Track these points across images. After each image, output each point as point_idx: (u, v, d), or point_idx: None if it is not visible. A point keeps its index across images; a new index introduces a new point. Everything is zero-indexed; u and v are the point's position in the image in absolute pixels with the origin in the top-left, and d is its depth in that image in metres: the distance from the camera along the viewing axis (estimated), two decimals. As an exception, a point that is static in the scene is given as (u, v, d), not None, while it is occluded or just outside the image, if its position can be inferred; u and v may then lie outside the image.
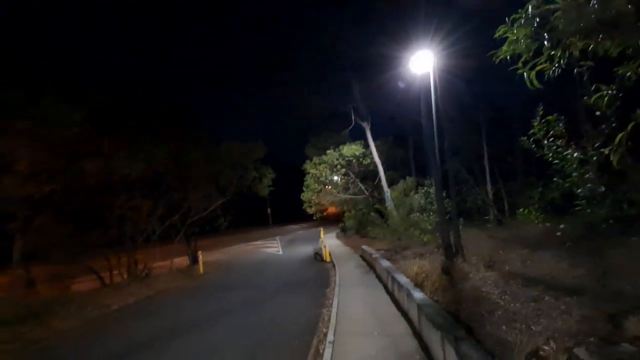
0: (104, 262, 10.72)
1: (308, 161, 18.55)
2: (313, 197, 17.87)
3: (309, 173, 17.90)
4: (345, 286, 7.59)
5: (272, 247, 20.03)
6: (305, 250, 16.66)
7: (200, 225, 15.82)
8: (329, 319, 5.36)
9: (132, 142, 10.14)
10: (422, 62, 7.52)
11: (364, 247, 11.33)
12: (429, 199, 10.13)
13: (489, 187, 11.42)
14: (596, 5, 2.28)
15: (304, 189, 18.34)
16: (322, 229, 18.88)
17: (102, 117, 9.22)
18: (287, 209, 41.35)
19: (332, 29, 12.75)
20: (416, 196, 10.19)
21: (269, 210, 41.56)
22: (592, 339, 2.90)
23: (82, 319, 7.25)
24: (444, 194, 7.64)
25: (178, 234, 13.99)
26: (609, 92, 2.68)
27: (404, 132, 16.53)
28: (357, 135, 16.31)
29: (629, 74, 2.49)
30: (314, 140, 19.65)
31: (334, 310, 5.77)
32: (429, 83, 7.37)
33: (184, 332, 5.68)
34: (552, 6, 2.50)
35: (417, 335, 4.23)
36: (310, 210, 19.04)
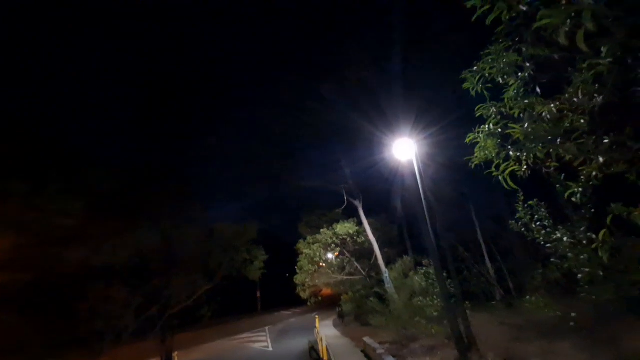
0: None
1: (301, 240, 18.17)
2: (307, 280, 16.81)
3: (302, 253, 17.30)
4: (349, 395, 6.46)
5: (261, 342, 17.61)
6: (299, 343, 14.66)
7: (180, 317, 14.17)
8: None
9: (125, 228, 9.90)
10: (405, 149, 8.31)
11: (365, 339, 10.14)
12: (430, 280, 9.69)
13: (488, 265, 11.17)
14: (549, 121, 2.76)
15: (297, 270, 17.40)
16: (317, 316, 17.11)
17: (100, 205, 9.20)
18: (278, 293, 38.08)
19: (320, 112, 14.24)
20: (416, 277, 9.77)
21: (258, 295, 38.17)
22: None
23: None
24: (445, 274, 7.38)
25: (154, 329, 12.34)
26: (578, 188, 2.98)
27: (396, 210, 16.99)
28: (350, 213, 16.56)
29: (594, 173, 2.84)
30: (307, 218, 19.72)
31: None
32: (414, 168, 8.00)
33: None
34: (514, 125, 3.00)
35: None
36: (304, 295, 17.63)
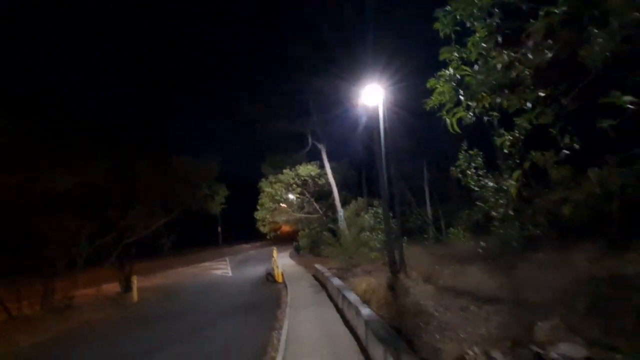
0: (13, 291, 8.97)
1: (264, 179, 18.37)
2: (267, 216, 17.58)
3: (264, 191, 17.68)
4: (297, 307, 7.52)
5: (222, 269, 18.87)
6: (256, 271, 16.04)
7: (140, 247, 14.31)
8: (279, 342, 5.26)
9: (68, 152, 9.00)
10: (372, 95, 8.30)
11: (317, 266, 11.41)
12: (378, 219, 10.78)
13: (429, 208, 12.68)
14: (499, 72, 2.93)
15: (259, 207, 17.98)
16: (275, 248, 18.49)
17: (35, 125, 8.10)
18: (239, 228, 39.54)
19: (291, 54, 13.37)
20: (367, 216, 10.78)
21: (219, 229, 39.26)
22: (506, 344, 3.40)
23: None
24: (391, 214, 8.28)
25: (110, 257, 12.42)
26: (510, 137, 3.36)
27: (357, 155, 17.61)
28: (314, 156, 16.85)
29: (524, 124, 3.20)
30: (270, 158, 19.63)
31: (284, 332, 5.68)
32: (378, 115, 8.13)
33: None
34: (468, 69, 3.12)
35: (364, 351, 4.40)
36: (263, 229, 18.61)
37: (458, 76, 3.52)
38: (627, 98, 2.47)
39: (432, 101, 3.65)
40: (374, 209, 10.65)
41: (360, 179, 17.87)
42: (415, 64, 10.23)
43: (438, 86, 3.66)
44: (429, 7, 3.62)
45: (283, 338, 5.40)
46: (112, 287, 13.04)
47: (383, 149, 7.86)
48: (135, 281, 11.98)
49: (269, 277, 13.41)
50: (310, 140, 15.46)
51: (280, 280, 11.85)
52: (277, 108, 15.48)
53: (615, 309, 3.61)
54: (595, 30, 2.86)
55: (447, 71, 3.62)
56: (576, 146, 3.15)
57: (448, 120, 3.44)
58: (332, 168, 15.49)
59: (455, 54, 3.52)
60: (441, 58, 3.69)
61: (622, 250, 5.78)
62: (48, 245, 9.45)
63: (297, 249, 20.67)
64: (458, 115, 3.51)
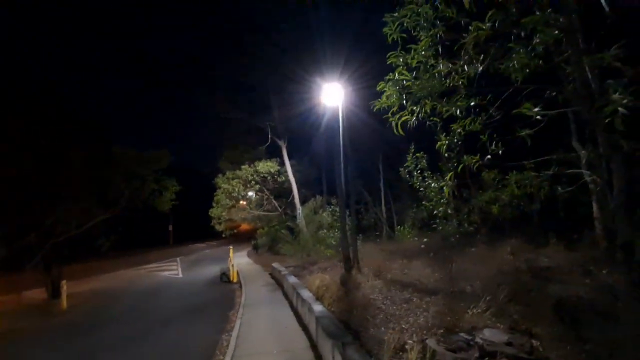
0: None
1: (220, 175, 17.57)
2: (224, 214, 16.86)
3: (220, 188, 16.92)
4: (251, 306, 7.35)
5: (171, 270, 17.61)
6: (210, 271, 15.28)
7: (74, 248, 12.74)
8: (228, 344, 5.08)
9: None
10: (332, 95, 8.41)
11: (274, 264, 11.28)
12: (335, 217, 11.01)
13: (383, 207, 13.35)
14: (438, 80, 3.16)
15: (214, 204, 17.16)
16: (231, 247, 17.82)
17: None
18: (192, 226, 37.22)
19: (251, 49, 12.97)
20: (324, 214, 10.95)
21: (170, 228, 36.57)
22: (440, 331, 3.70)
23: None
24: (347, 212, 8.52)
25: (34, 259, 10.84)
26: (446, 141, 3.66)
27: (318, 154, 17.76)
28: (274, 153, 16.57)
29: (458, 130, 3.50)
30: (228, 154, 18.85)
31: (234, 333, 5.51)
32: (338, 114, 8.28)
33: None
34: (408, 75, 3.32)
35: (314, 347, 4.46)
36: (219, 228, 17.83)
37: (404, 81, 3.73)
38: (536, 110, 2.84)
39: (380, 103, 3.81)
40: (332, 207, 10.87)
41: (320, 177, 18.08)
42: (371, 65, 10.63)
43: (386, 89, 3.83)
44: (384, 10, 3.77)
45: (233, 338, 5.23)
46: (37, 294, 11.37)
47: (342, 148, 8.03)
48: (65, 286, 10.58)
49: (224, 276, 12.89)
50: (270, 136, 15.15)
51: (235, 279, 11.48)
52: (237, 101, 14.92)
53: (533, 297, 4.14)
54: (515, 47, 3.23)
55: (392, 75, 3.80)
56: (499, 152, 3.54)
57: (394, 123, 3.63)
58: (292, 166, 15.40)
59: (402, 58, 3.72)
60: (388, 62, 3.87)
61: (540, 244, 6.72)
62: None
63: (256, 248, 20.21)
64: (403, 119, 3.71)
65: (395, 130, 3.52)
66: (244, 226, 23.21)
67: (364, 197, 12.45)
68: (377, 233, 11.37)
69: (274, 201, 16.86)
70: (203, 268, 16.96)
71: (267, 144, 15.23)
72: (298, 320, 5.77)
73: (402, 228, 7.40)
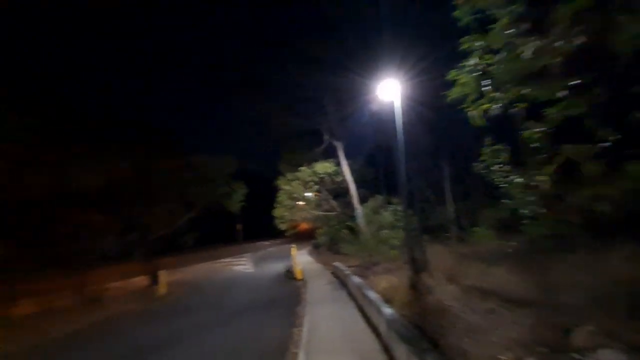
0: (50, 282, 9.66)
1: (281, 177, 18.53)
2: (286, 214, 17.75)
3: (282, 189, 17.85)
4: (317, 303, 7.57)
5: (242, 265, 19.34)
6: (276, 267, 16.32)
7: (164, 243, 14.95)
8: (299, 337, 5.32)
9: (89, 152, 9.50)
10: (389, 90, 8.12)
11: (336, 264, 11.41)
12: (397, 216, 10.60)
13: (449, 205, 12.32)
14: (526, 60, 2.77)
15: (277, 205, 18.19)
16: (294, 246, 18.68)
17: (55, 125, 8.59)
18: (258, 225, 40.14)
19: (305, 53, 13.31)
20: (386, 213, 10.65)
21: (238, 227, 40.10)
22: (542, 349, 3.23)
23: (16, 346, 6.42)
24: (411, 212, 8.11)
25: (137, 252, 13.07)
26: (540, 129, 3.18)
27: (375, 152, 17.36)
28: (331, 153, 16.75)
29: (555, 115, 3.01)
30: (287, 156, 19.74)
31: (305, 328, 5.74)
32: (396, 109, 7.95)
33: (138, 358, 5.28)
34: (492, 57, 2.98)
35: (387, 350, 4.36)
36: (282, 227, 18.83)
37: (481, 66, 3.37)
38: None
39: (454, 93, 3.52)
40: (394, 206, 10.50)
41: (378, 175, 17.61)
42: (434, 56, 9.89)
43: (460, 78, 3.52)
44: (444, -1, 3.48)
45: (304, 334, 5.46)
46: (141, 281, 13.69)
47: (401, 145, 7.69)
48: (162, 276, 12.50)
49: (289, 274, 13.59)
50: (326, 137, 15.37)
51: (299, 277, 11.97)
52: (292, 106, 15.54)
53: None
54: (624, 16, 2.63)
55: (469, 61, 3.47)
56: (612, 138, 2.93)
57: (473, 113, 3.31)
58: (349, 165, 15.36)
59: (477, 43, 3.36)
60: (462, 48, 3.54)
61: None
62: (78, 240, 10.08)
63: (316, 247, 20.78)
64: (482, 107, 3.36)
65: (474, 121, 3.21)
66: (303, 225, 24.06)
67: (427, 195, 11.71)
68: (447, 234, 10.55)
69: (332, 201, 17.06)
70: (269, 264, 18.21)
71: (324, 145, 15.47)
72: (366, 321, 5.72)
73: (479, 229, 6.71)
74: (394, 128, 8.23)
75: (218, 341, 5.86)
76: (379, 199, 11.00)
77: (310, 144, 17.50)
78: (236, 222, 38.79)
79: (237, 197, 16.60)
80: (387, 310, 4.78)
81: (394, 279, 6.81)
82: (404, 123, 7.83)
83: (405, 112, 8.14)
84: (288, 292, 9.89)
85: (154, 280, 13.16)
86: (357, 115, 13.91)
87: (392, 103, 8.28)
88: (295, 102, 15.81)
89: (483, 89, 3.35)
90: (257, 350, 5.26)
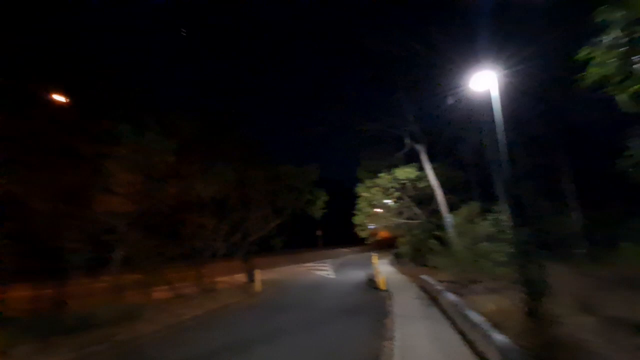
0: (177, 274, 11.98)
1: (360, 184, 18.50)
2: (365, 221, 17.57)
3: (361, 196, 17.79)
4: (406, 317, 7.13)
5: (324, 270, 19.97)
6: (357, 275, 16.22)
7: (257, 245, 16.71)
8: (392, 353, 5.08)
9: (208, 167, 11.45)
10: (484, 82, 7.19)
11: (423, 276, 10.60)
12: (499, 227, 9.15)
13: (574, 214, 9.82)
14: None
15: (356, 212, 18.19)
16: (374, 254, 18.24)
17: (187, 145, 10.65)
18: (336, 232, 41.15)
19: (382, 54, 12.95)
20: (484, 223, 9.32)
21: (318, 232, 41.81)
22: None
23: (161, 325, 8.12)
24: (519, 221, 6.85)
25: (238, 252, 14.97)
26: None
27: (464, 153, 15.53)
28: (412, 158, 15.81)
29: None
30: (365, 163, 19.62)
31: (397, 343, 5.46)
32: (492, 105, 6.96)
33: (249, 348, 5.93)
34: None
35: (500, 384, 3.74)
36: (362, 234, 18.68)
37: (625, 40, 2.65)
38: None
39: (591, 75, 2.84)
40: (494, 214, 9.10)
41: (468, 180, 15.69)
42: (541, 38, 8.30)
43: (595, 56, 2.83)
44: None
45: (397, 349, 5.19)
46: (240, 278, 15.62)
47: (502, 144, 6.64)
48: (258, 275, 13.99)
49: (371, 282, 13.31)
50: (407, 141, 14.54)
51: (383, 287, 11.58)
52: (371, 112, 15.37)
53: None
54: None
55: (607, 36, 2.78)
56: None
57: (623, 97, 2.60)
58: (433, 169, 14.18)
59: (620, 12, 2.65)
60: (598, 20, 2.86)
61: None
62: (196, 239, 12.20)
63: (398, 256, 19.81)
64: (633, 89, 2.61)
65: (624, 107, 2.52)
66: (382, 233, 23.32)
67: (540, 203, 9.65)
68: (577, 251, 8.38)
69: (414, 208, 16.02)
70: (350, 271, 18.25)
71: (405, 150, 14.68)
72: (467, 345, 5.05)
73: (623, 244, 5.04)
74: (492, 124, 7.24)
75: (315, 341, 6.14)
76: (473, 206, 9.69)
77: (390, 150, 16.94)
78: (315, 228, 40.59)
79: (319, 204, 17.35)
80: (499, 338, 4.12)
81: (504, 302, 5.85)
82: (505, 117, 6.78)
83: (506, 105, 7.06)
84: (372, 302, 9.67)
85: (251, 277, 14.85)
86: (443, 115, 12.80)
87: (486, 96, 7.32)
88: (373, 107, 15.66)
89: (634, 66, 2.63)
90: (350, 357, 5.27)
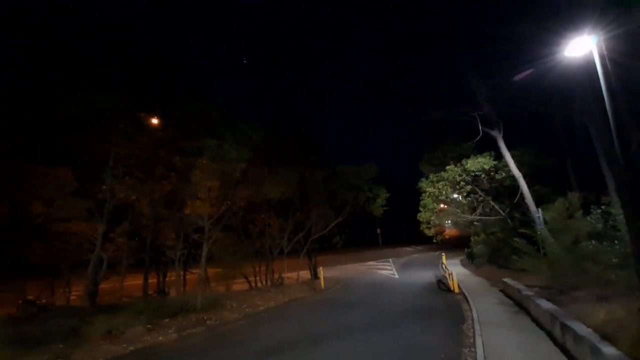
0: (250, 268, 13.07)
1: (423, 179, 17.34)
2: (432, 218, 16.37)
3: (425, 192, 16.64)
4: (489, 325, 6.37)
5: (386, 270, 19.31)
6: (424, 276, 15.20)
7: (318, 243, 17.09)
8: (475, 361, 4.58)
9: (273, 170, 12.19)
10: (580, 50, 5.95)
11: (506, 280, 9.34)
12: (609, 223, 7.44)
13: None
14: None
15: (421, 209, 17.10)
16: (442, 254, 16.84)
17: (256, 152, 11.53)
18: (398, 230, 39.54)
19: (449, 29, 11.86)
20: (588, 218, 7.69)
21: (378, 231, 40.82)
22: None
23: (242, 314, 8.96)
24: (636, 215, 5.44)
25: (302, 250, 15.54)
26: None
27: (554, 135, 13.09)
28: (486, 145, 13.97)
29: None
30: (429, 156, 18.34)
31: (479, 352, 4.90)
32: (589, 74, 5.69)
33: (323, 341, 6.09)
34: None
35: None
36: (429, 232, 17.47)
37: None
38: None
39: None
40: (602, 207, 7.42)
41: (561, 167, 13.19)
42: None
43: None
44: None
45: (480, 357, 4.66)
46: (305, 274, 16.20)
47: (610, 118, 5.36)
48: (322, 272, 14.31)
49: (442, 285, 12.34)
50: (479, 127, 12.77)
51: (456, 290, 10.60)
52: (436, 97, 14.12)
53: None
54: None
55: None
56: None
57: None
58: (513, 157, 12.30)
59: None
60: None
61: None
62: (265, 237, 13.08)
63: (470, 257, 17.93)
64: None
65: None
66: (452, 231, 21.42)
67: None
68: None
69: (491, 203, 14.21)
70: (416, 272, 17.21)
71: (478, 137, 12.96)
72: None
73: None
74: (591, 99, 5.93)
75: (386, 340, 5.98)
76: (572, 198, 8.01)
77: (457, 140, 15.42)
78: (375, 226, 39.71)
79: (379, 202, 16.86)
80: (610, 350, 3.34)
81: (617, 311, 4.73)
82: (610, 88, 5.47)
83: (614, 72, 5.69)
84: (445, 305, 8.92)
85: (314, 274, 15.27)
86: (524, 93, 11.04)
87: (582, 66, 6.05)
88: (441, 94, 14.32)
89: None
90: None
